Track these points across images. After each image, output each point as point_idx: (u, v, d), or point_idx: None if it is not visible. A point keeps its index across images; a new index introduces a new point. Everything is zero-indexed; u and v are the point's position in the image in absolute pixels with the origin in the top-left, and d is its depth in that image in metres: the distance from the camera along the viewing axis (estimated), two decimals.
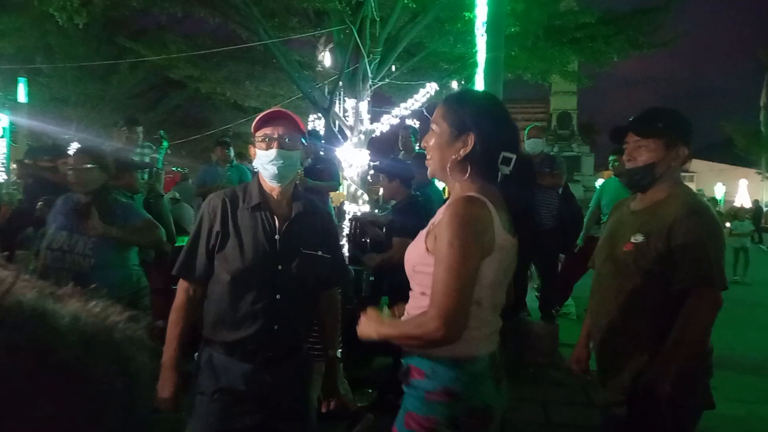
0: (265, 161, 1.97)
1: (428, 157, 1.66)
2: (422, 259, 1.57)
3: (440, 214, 1.55)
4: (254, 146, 2.07)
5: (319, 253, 2.05)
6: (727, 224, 11.17)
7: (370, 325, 1.62)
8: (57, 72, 19.07)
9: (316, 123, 12.42)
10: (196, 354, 2.05)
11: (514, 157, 1.57)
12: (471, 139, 1.56)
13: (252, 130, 2.05)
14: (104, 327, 0.40)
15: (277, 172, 1.98)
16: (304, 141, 2.07)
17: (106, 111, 20.34)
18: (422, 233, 1.62)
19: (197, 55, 12.56)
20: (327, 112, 10.50)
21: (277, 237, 1.98)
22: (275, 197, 2.04)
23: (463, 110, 1.60)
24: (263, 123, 1.99)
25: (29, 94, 17.99)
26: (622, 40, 11.78)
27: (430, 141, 1.65)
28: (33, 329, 0.35)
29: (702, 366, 2.01)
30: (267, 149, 1.97)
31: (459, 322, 1.44)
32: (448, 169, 1.60)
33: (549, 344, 5.09)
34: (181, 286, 2.04)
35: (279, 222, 2.00)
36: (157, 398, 1.88)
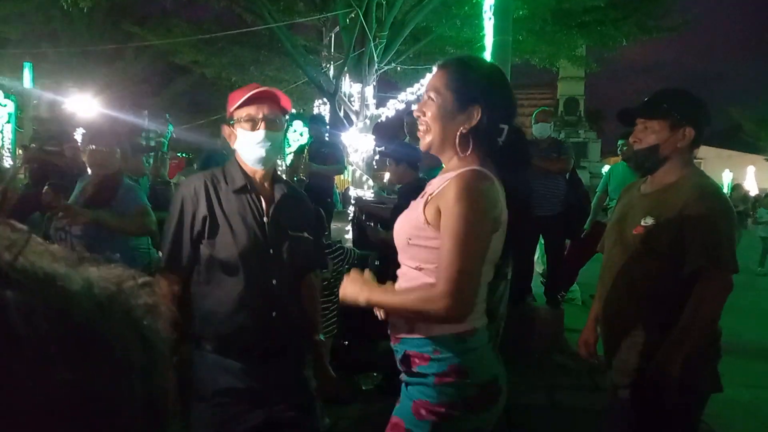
0: (251, 143, 1.87)
1: (423, 128, 1.53)
2: (420, 231, 1.47)
3: (439, 185, 1.46)
4: (230, 126, 1.92)
5: (305, 234, 1.99)
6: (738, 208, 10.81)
7: (355, 288, 1.52)
8: (62, 57, 19.04)
9: (321, 108, 12.38)
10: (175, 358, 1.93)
11: (506, 127, 1.49)
12: (477, 112, 1.45)
13: (230, 108, 1.90)
14: (119, 292, 0.39)
15: (264, 155, 1.89)
16: (285, 119, 1.97)
17: (111, 96, 20.35)
18: (417, 203, 1.52)
19: (202, 40, 12.51)
20: (332, 96, 10.46)
21: (265, 220, 1.90)
22: (258, 180, 1.94)
23: (469, 79, 1.48)
24: (247, 101, 1.88)
25: (34, 80, 17.98)
26: (630, 24, 11.67)
27: (428, 111, 1.50)
28: (46, 292, 0.34)
29: (711, 349, 2.00)
30: (253, 130, 1.87)
31: (471, 300, 1.38)
32: (452, 143, 1.49)
33: (554, 329, 5.08)
34: (167, 280, 1.86)
35: (266, 205, 1.92)
36: None
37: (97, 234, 2.76)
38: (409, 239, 1.50)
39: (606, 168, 10.32)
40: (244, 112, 1.88)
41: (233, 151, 1.99)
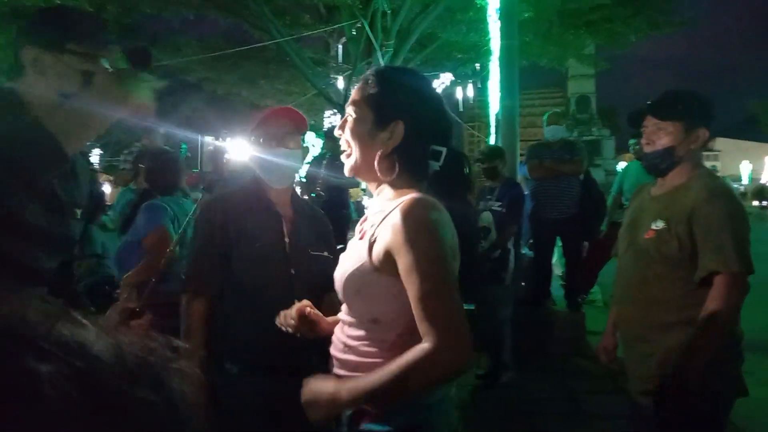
0: (272, 161, 1.91)
1: (346, 150, 1.36)
2: (370, 278, 1.25)
3: (379, 221, 1.26)
4: (251, 145, 1.97)
5: (325, 254, 1.98)
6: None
7: (322, 397, 1.22)
8: None
9: (331, 119, 12.43)
10: None
11: (444, 150, 1.31)
12: (400, 129, 1.28)
13: (252, 128, 1.96)
14: (148, 359, 0.40)
15: (284, 172, 1.94)
16: (303, 140, 2.03)
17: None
18: (359, 246, 1.30)
19: (212, 57, 12.66)
20: (342, 107, 10.50)
21: (286, 240, 1.91)
22: (277, 199, 1.97)
23: (389, 92, 1.31)
24: (267, 121, 1.94)
25: None
26: (639, 21, 11.56)
27: (347, 129, 1.34)
28: (78, 362, 0.36)
29: (732, 352, 1.95)
30: (274, 148, 1.91)
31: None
32: (374, 165, 1.29)
33: (575, 333, 5.03)
34: (192, 301, 1.85)
35: (285, 224, 1.94)
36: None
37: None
38: (359, 290, 1.29)
39: (621, 165, 10.17)
40: (265, 132, 1.92)
41: (249, 171, 2.02)
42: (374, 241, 1.24)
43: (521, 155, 5.85)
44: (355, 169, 1.34)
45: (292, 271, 1.89)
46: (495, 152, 4.66)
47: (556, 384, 4.30)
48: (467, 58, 12.28)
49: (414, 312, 1.17)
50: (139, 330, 1.31)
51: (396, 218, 1.20)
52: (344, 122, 1.36)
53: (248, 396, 1.83)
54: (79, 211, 1.43)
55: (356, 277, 1.27)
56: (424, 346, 1.14)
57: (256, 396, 1.83)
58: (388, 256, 1.21)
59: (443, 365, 1.15)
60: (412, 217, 1.19)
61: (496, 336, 4.27)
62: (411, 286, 1.17)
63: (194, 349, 1.80)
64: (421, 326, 1.16)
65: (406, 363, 1.15)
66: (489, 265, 4.22)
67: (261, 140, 1.93)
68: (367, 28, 9.62)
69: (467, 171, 1.44)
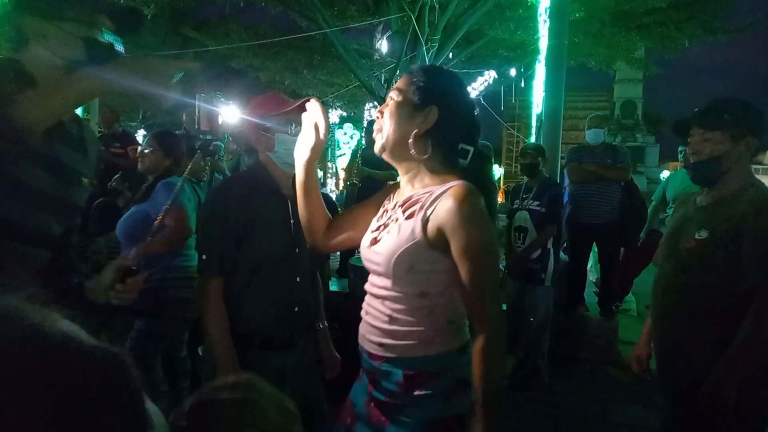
0: (289, 146, 1.89)
1: (378, 128, 1.47)
2: (423, 256, 1.36)
3: (428, 202, 1.36)
4: (264, 132, 2.01)
5: None
6: None
7: None
8: None
9: (372, 112, 12.45)
10: (201, 348, 2.06)
11: (471, 149, 1.43)
12: (434, 113, 1.40)
13: (266, 114, 1.99)
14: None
15: None
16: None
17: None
18: (405, 225, 1.39)
19: (258, 45, 12.81)
20: (384, 101, 10.51)
21: (292, 222, 1.98)
22: (286, 182, 2.03)
23: (429, 81, 1.43)
24: (289, 109, 1.97)
25: None
26: (694, 26, 11.19)
27: (386, 110, 1.46)
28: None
29: None
30: (292, 134, 1.95)
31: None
32: (408, 144, 1.41)
33: (608, 341, 4.95)
34: (214, 282, 1.94)
35: (291, 205, 1.99)
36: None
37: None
38: (412, 266, 1.37)
39: (664, 173, 9.91)
40: (283, 118, 1.98)
41: (260, 155, 2.07)
42: (427, 219, 1.35)
43: (562, 158, 5.76)
44: (386, 146, 1.45)
45: (296, 251, 2.00)
46: (540, 148, 4.59)
47: (586, 391, 4.25)
48: (513, 56, 12.12)
49: (466, 290, 1.33)
50: (135, 287, 1.36)
51: (450, 201, 1.32)
52: (384, 105, 1.48)
53: (245, 365, 1.94)
54: (85, 180, 1.45)
55: (409, 253, 1.37)
56: (480, 343, 1.32)
57: (252, 364, 1.94)
58: (441, 235, 1.33)
59: (501, 345, 1.34)
60: (466, 203, 1.31)
61: (533, 338, 4.24)
62: (465, 268, 1.32)
63: None
64: (472, 308, 1.36)
65: (481, 368, 1.32)
66: (529, 265, 4.20)
67: (276, 125, 2.00)
68: (414, 21, 9.57)
69: (491, 170, 1.56)
